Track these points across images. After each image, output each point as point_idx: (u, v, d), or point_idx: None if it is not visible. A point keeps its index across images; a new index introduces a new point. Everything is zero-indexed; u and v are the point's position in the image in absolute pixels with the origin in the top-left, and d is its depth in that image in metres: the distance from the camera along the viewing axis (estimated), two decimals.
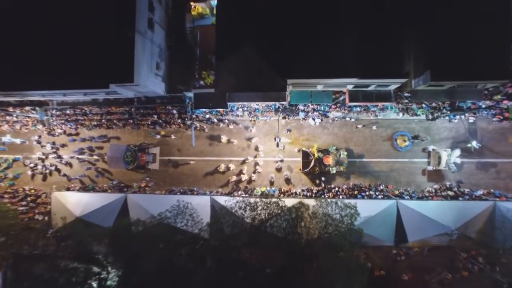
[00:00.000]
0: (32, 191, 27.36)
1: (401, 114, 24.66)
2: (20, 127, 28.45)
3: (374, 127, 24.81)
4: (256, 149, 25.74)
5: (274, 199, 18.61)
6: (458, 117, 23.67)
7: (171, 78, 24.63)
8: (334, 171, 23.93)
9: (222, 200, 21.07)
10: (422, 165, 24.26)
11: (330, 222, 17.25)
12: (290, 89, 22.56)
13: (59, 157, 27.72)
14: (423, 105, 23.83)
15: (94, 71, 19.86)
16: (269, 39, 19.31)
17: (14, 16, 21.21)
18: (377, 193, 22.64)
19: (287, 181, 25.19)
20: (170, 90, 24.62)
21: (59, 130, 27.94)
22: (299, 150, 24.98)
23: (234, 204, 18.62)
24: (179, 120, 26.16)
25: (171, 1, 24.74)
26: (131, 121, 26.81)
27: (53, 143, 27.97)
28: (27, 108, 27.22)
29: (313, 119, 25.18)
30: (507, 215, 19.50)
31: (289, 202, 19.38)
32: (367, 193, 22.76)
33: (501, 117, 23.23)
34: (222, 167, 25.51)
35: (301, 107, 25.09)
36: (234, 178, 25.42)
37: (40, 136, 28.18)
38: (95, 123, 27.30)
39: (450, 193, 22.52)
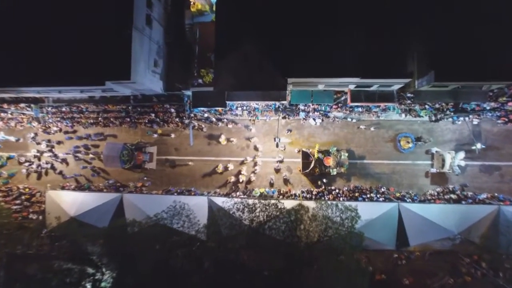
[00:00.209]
0: (27, 189, 26.89)
1: (403, 115, 24.29)
2: (15, 124, 27.96)
3: (374, 128, 24.41)
4: (256, 149, 25.33)
5: (273, 201, 18.32)
6: (461, 118, 23.38)
7: (169, 76, 24.15)
8: (335, 173, 23.60)
9: (220, 201, 20.69)
10: (425, 168, 23.85)
11: (330, 225, 16.99)
12: (291, 88, 22.18)
13: (55, 155, 27.25)
14: (426, 106, 23.47)
15: (90, 68, 19.36)
16: (269, 37, 18.98)
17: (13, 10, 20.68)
18: (378, 196, 22.23)
19: (287, 182, 24.78)
20: (168, 88, 24.14)
21: (55, 128, 27.47)
22: (299, 151, 24.60)
23: (232, 205, 18.32)
24: (177, 119, 25.77)
25: None
26: (128, 119, 26.40)
27: (49, 140, 27.51)
28: (22, 105, 26.68)
29: (314, 119, 24.79)
30: None
31: (289, 204, 19.10)
32: (368, 195, 22.35)
33: (506, 119, 22.92)
34: (220, 167, 25.11)
35: (301, 106, 24.69)
36: (232, 178, 24.98)
37: (35, 134, 27.71)
38: (92, 121, 26.84)
39: (453, 196, 22.12)
